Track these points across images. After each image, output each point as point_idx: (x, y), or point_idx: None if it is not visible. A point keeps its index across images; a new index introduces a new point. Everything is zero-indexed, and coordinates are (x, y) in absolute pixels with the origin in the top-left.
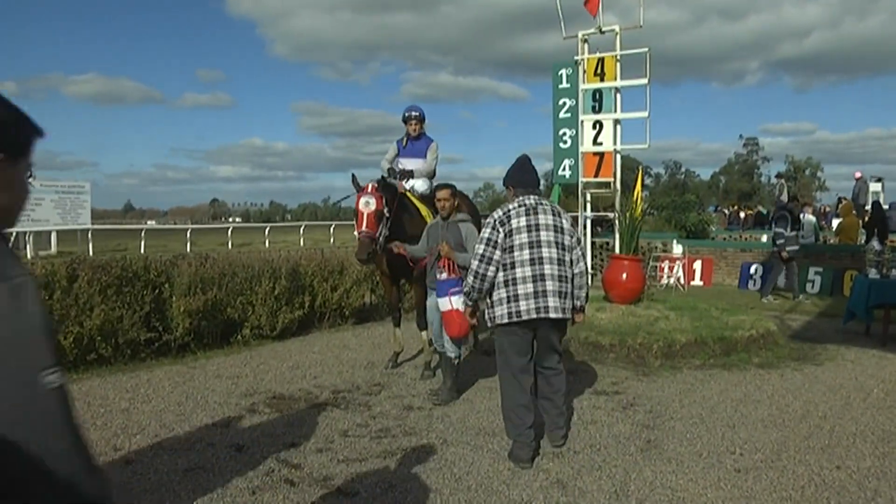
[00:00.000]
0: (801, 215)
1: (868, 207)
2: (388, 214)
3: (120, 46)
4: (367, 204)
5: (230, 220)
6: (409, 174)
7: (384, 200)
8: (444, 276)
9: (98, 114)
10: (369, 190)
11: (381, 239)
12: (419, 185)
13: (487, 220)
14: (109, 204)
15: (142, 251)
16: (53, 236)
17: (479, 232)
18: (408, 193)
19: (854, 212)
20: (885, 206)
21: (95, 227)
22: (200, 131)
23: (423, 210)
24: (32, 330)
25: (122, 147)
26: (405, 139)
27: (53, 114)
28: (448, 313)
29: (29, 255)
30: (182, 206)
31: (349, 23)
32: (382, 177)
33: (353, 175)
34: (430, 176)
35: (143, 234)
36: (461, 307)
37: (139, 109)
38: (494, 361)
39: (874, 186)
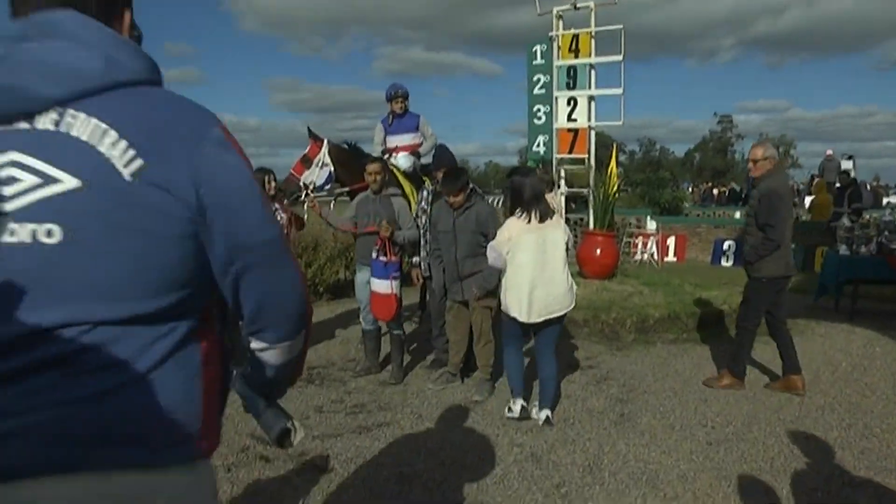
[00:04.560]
0: None
1: (837, 185)
2: (327, 164)
3: None
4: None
5: None
6: (417, 155)
7: (322, 151)
8: (384, 259)
9: None
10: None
11: (311, 185)
12: (402, 161)
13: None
14: None
15: None
16: None
17: (413, 204)
18: (392, 168)
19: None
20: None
21: None
22: None
23: (407, 187)
24: None
25: None
26: (390, 117)
27: None
28: (387, 297)
29: None
30: None
31: None
32: (347, 142)
33: (308, 127)
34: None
35: None
36: (399, 292)
37: None
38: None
39: (846, 164)
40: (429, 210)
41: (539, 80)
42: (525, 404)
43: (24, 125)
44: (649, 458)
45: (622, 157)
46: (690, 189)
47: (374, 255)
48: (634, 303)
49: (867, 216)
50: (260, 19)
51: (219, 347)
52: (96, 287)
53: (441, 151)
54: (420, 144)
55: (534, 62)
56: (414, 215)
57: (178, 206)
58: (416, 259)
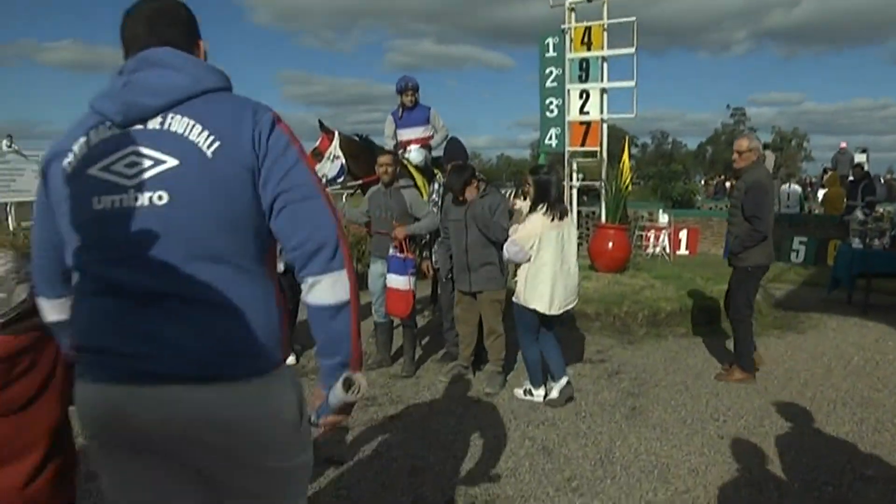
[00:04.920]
0: (787, 185)
1: (851, 178)
2: (338, 157)
3: (96, 12)
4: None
5: None
6: (429, 148)
7: (333, 143)
8: (402, 255)
9: (76, 82)
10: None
11: (324, 179)
12: (414, 155)
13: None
14: None
15: None
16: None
17: (425, 198)
18: (405, 162)
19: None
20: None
21: None
22: None
23: (419, 180)
24: None
25: None
26: (400, 110)
27: (28, 82)
28: (405, 293)
29: (11, 227)
30: None
31: None
32: (359, 135)
33: (319, 120)
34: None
35: None
36: (415, 288)
37: None
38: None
39: (859, 157)
40: (440, 202)
41: (551, 72)
42: (545, 392)
43: (140, 127)
44: (661, 452)
45: (634, 150)
46: (703, 182)
47: (391, 251)
48: (646, 296)
49: (881, 209)
50: (272, 12)
51: (279, 284)
52: (196, 234)
53: (452, 144)
54: (431, 137)
55: (546, 55)
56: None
57: (245, 172)
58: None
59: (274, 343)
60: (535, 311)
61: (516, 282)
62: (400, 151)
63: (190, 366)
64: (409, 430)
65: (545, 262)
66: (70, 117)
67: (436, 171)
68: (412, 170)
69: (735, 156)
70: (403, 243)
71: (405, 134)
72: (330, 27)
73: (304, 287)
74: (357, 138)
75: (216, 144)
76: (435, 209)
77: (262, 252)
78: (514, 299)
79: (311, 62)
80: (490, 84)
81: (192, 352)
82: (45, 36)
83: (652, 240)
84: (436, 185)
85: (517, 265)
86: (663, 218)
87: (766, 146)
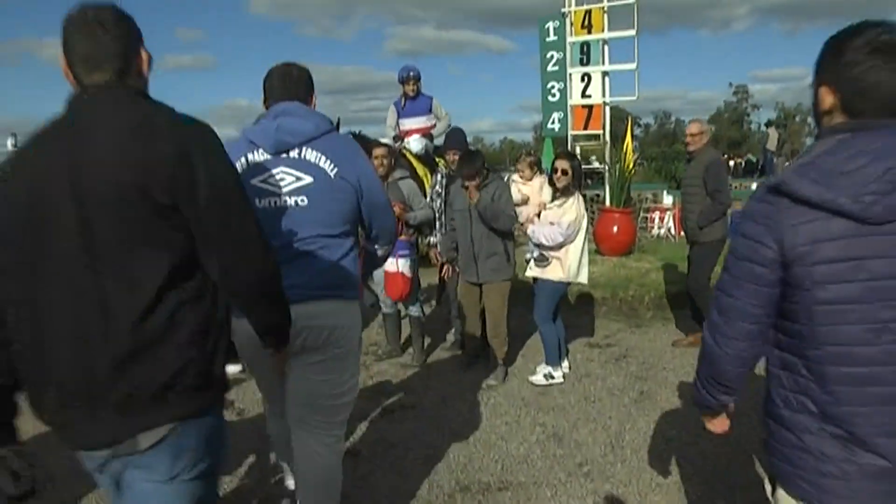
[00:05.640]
0: (790, 162)
1: None
2: None
3: None
4: None
5: None
6: (430, 136)
7: None
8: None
9: None
10: None
11: None
12: (414, 144)
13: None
14: None
15: None
16: None
17: (420, 188)
18: (405, 152)
19: None
20: None
21: None
22: (183, 92)
23: (420, 169)
24: None
25: None
26: (403, 100)
27: (29, 78)
28: (393, 275)
29: None
30: None
31: None
32: (352, 132)
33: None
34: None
35: None
36: (407, 271)
37: None
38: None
39: None
40: (443, 193)
41: (552, 56)
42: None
43: (284, 155)
44: (670, 435)
45: (637, 131)
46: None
47: None
48: (652, 279)
49: None
50: (270, 2)
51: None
52: (322, 222)
53: (452, 133)
54: (433, 126)
55: (546, 39)
56: (428, 198)
57: (351, 187)
58: (432, 239)
59: (357, 281)
60: (569, 286)
61: (551, 264)
62: (398, 143)
63: (321, 290)
64: (422, 418)
65: (583, 240)
66: None
67: (438, 160)
68: (412, 159)
69: (688, 138)
70: (400, 226)
71: (408, 123)
72: (329, 15)
73: (374, 247)
74: (351, 135)
75: (336, 170)
76: (438, 200)
77: (354, 231)
78: (558, 280)
79: (311, 51)
80: (491, 68)
81: (322, 282)
82: (46, 32)
83: (657, 221)
84: (438, 176)
85: (549, 249)
86: (668, 199)
87: (769, 123)
